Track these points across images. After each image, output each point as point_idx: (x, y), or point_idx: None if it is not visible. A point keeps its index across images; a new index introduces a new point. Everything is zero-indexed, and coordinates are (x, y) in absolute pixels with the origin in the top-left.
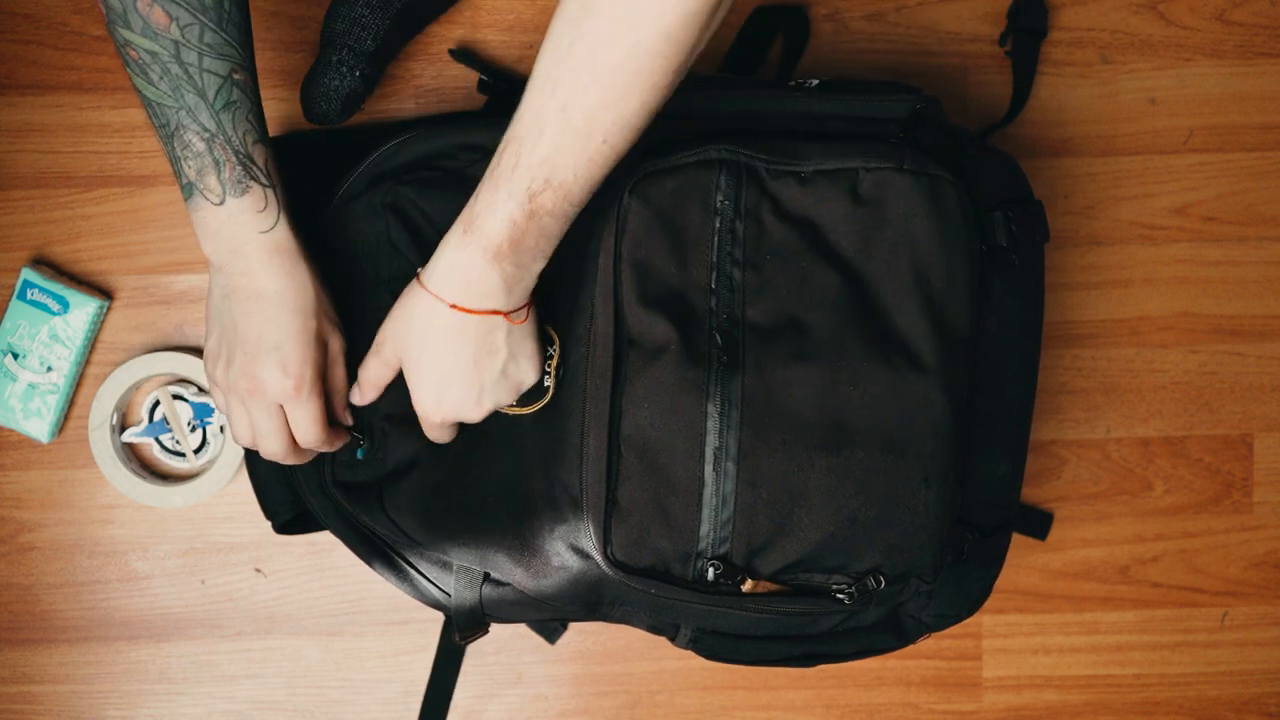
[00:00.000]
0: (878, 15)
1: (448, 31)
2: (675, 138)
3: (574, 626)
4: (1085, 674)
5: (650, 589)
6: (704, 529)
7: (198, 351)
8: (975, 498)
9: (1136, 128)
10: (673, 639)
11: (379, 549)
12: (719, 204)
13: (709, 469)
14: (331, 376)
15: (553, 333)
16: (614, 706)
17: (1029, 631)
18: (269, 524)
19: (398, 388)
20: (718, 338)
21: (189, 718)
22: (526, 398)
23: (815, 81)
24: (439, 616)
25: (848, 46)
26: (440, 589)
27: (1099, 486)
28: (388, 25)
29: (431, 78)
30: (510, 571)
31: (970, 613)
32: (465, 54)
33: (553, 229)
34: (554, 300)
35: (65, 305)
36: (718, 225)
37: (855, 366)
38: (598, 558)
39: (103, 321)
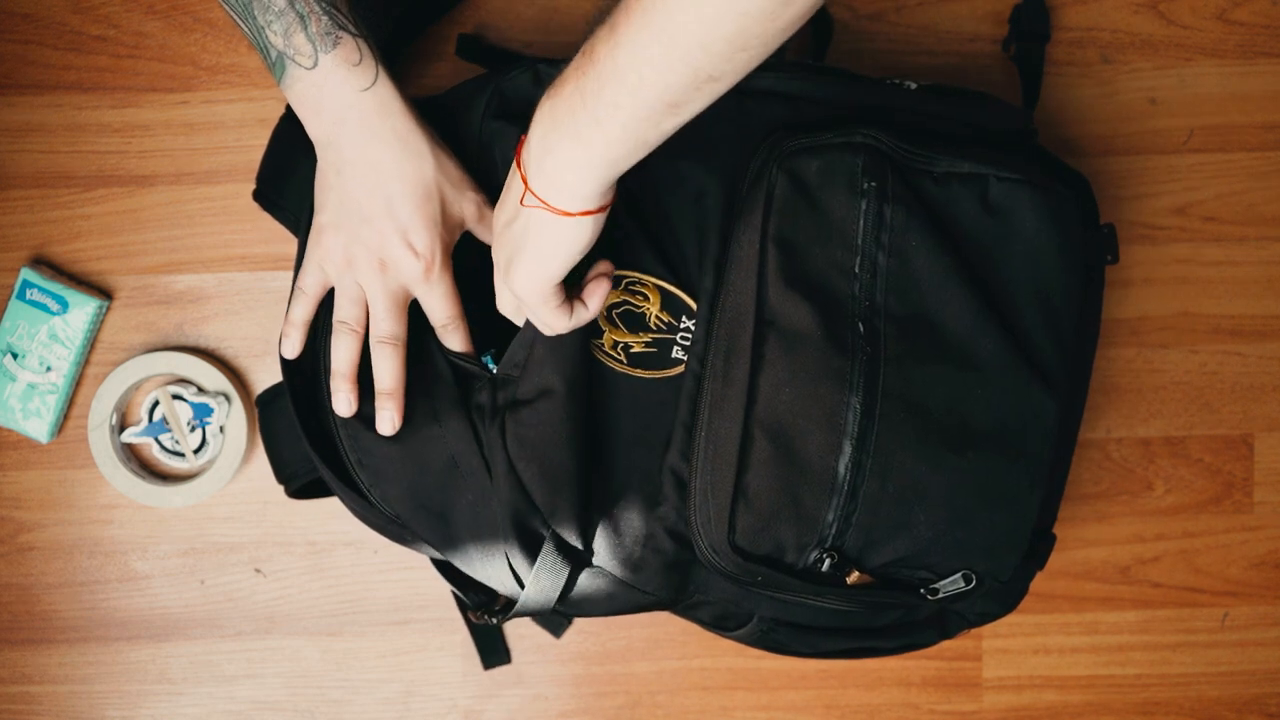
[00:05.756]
0: (878, 15)
1: (448, 31)
2: (809, 122)
3: (574, 626)
4: (1085, 674)
5: (757, 577)
6: (829, 519)
7: (197, 351)
8: None
9: (1136, 128)
10: (732, 631)
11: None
12: (865, 186)
13: (844, 460)
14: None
15: (689, 301)
16: (614, 706)
17: (1029, 631)
18: (268, 522)
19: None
20: (860, 326)
21: (189, 718)
22: (646, 361)
23: (913, 85)
24: (439, 616)
25: (849, 46)
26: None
27: (1099, 486)
28: (391, 27)
29: (434, 77)
30: (603, 554)
31: (1009, 610)
32: (470, 40)
33: (577, 104)
34: (678, 269)
35: (65, 305)
36: (864, 208)
37: (984, 370)
38: (707, 543)
39: (102, 321)
